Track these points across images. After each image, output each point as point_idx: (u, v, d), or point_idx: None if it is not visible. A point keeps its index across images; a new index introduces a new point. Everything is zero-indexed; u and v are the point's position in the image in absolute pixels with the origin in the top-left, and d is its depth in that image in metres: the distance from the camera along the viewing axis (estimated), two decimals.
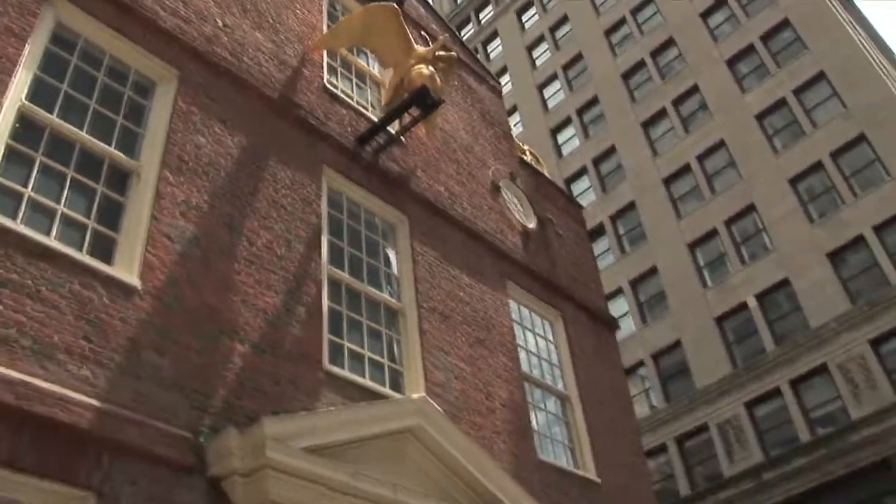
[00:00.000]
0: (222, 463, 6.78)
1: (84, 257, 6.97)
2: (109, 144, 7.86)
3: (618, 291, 35.21)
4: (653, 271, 35.36)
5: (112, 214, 7.58)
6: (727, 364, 30.82)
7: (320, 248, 9.45)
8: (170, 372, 7.02)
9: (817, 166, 31.74)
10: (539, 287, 13.40)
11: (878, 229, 28.95)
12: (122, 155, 7.90)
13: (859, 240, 29.28)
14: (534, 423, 11.53)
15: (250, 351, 7.86)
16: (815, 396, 28.35)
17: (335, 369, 8.69)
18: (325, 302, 9.11)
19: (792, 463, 27.06)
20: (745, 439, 29.06)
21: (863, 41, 36.40)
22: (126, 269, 7.23)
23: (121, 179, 7.85)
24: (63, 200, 7.22)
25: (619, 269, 36.28)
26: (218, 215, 8.39)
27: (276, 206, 9.18)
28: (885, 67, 36.22)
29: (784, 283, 30.68)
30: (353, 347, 9.30)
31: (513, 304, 12.64)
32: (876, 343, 27.19)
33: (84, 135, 7.67)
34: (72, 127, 7.60)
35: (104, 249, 7.31)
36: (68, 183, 7.36)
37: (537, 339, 12.93)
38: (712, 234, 34.05)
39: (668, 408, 31.78)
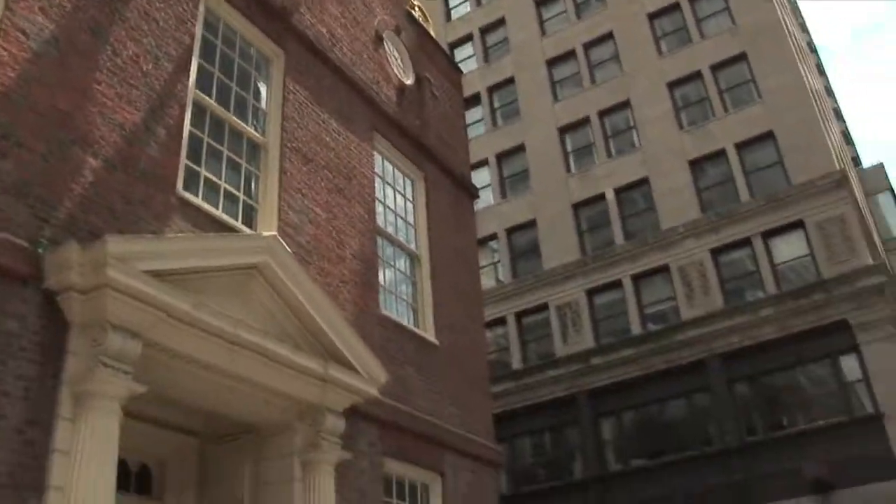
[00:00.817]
0: (60, 277, 6.57)
1: None
2: None
3: (483, 162, 35.46)
4: (520, 148, 35.70)
5: None
6: (576, 250, 31.80)
7: (189, 70, 9.08)
8: (11, 176, 6.65)
9: (696, 76, 32.32)
10: (406, 144, 13.36)
11: (740, 147, 29.93)
12: None
13: (721, 153, 30.23)
14: (381, 278, 11.68)
15: (102, 166, 7.55)
16: (651, 294, 29.70)
17: (188, 196, 8.49)
18: (187, 126, 8.82)
19: (620, 352, 28.52)
20: (580, 324, 30.32)
21: None
22: None
23: None
24: None
25: (488, 140, 36.47)
26: (82, 18, 7.87)
27: (148, 19, 8.70)
28: None
29: (643, 182, 31.56)
30: (210, 177, 9.09)
31: (377, 157, 12.60)
32: (716, 253, 28.54)
33: None
34: None
35: None
36: None
37: (397, 195, 12.98)
38: (584, 122, 34.50)
39: (514, 283, 32.71)
